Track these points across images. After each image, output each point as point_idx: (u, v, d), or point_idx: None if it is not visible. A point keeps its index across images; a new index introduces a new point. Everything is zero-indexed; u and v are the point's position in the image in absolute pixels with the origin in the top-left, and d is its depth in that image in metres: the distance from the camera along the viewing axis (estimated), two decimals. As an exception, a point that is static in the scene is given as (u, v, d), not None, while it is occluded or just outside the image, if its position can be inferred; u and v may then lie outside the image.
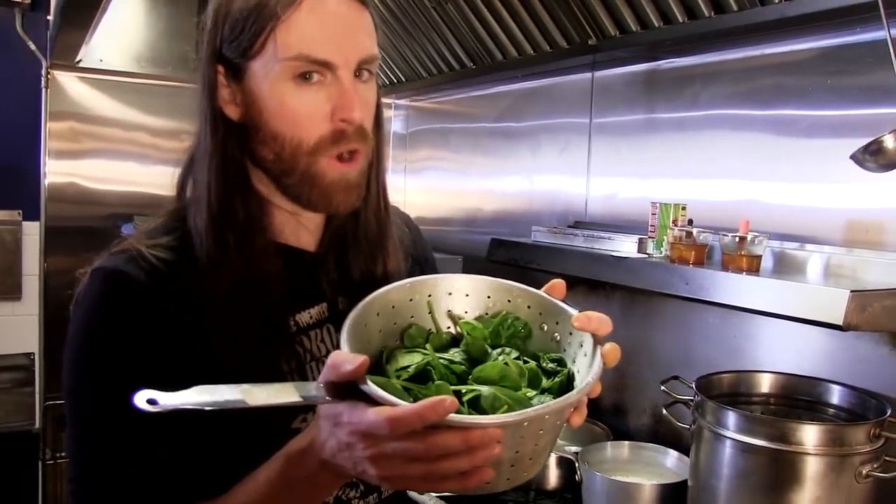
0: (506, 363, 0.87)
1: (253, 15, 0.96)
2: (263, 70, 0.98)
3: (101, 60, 3.27)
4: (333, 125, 0.99)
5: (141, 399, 0.68)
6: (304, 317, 1.07)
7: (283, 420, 1.02)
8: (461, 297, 0.98)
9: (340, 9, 0.98)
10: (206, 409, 0.70)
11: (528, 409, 0.75)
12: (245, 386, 0.72)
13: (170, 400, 0.68)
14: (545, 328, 0.94)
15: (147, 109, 3.39)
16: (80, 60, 3.18)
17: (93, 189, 3.34)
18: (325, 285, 1.10)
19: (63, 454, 3.08)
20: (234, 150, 1.02)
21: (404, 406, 0.70)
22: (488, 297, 0.98)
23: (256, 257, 1.01)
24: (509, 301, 0.97)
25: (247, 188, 1.04)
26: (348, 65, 0.98)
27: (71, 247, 3.26)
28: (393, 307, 0.94)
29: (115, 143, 3.36)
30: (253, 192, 1.04)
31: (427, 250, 1.36)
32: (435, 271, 1.32)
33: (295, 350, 1.04)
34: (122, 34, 3.32)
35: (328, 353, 1.07)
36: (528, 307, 0.96)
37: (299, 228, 1.10)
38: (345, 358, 0.75)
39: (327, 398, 0.73)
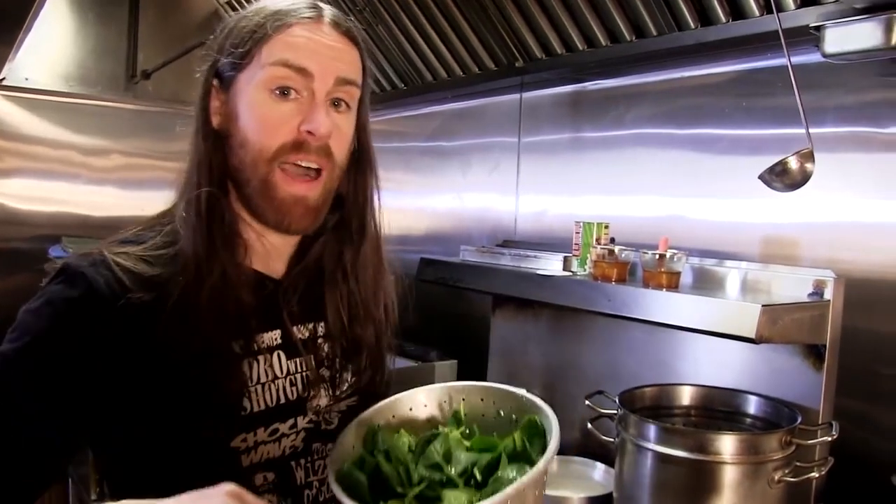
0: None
1: (250, 33, 1.03)
2: (248, 78, 1.03)
3: (26, 79, 3.21)
4: (297, 135, 1.02)
5: None
6: (264, 339, 1.08)
7: (223, 439, 1.02)
8: (422, 408, 1.07)
9: (329, 38, 1.04)
10: None
11: (510, 487, 0.81)
12: None
13: None
14: (502, 413, 1.04)
15: (77, 128, 3.33)
16: (3, 78, 3.12)
17: (18, 209, 3.25)
18: (283, 314, 1.11)
19: None
20: (220, 157, 1.05)
21: None
22: (444, 402, 1.07)
23: (233, 279, 1.03)
24: (464, 399, 1.06)
25: (226, 195, 1.07)
26: (325, 79, 1.02)
27: (-6, 269, 3.16)
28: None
29: (43, 163, 3.28)
30: (230, 203, 1.07)
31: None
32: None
33: (262, 368, 1.07)
34: (49, 52, 3.27)
35: (275, 378, 1.09)
36: (482, 399, 1.05)
37: (267, 255, 1.11)
38: None
39: None
